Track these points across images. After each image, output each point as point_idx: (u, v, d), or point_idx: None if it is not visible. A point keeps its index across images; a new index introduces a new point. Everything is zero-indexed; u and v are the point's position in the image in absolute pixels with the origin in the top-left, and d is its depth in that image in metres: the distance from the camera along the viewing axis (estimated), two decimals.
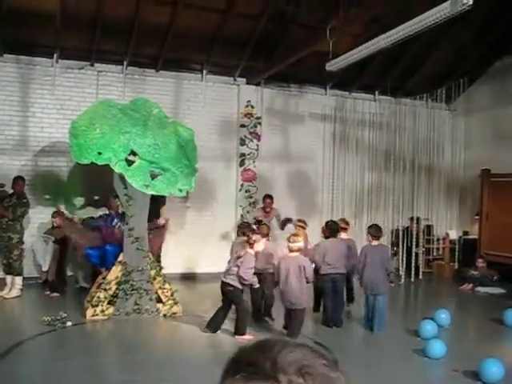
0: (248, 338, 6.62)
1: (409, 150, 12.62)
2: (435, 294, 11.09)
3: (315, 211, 12.39)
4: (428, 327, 6.93)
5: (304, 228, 9.14)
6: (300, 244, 7.12)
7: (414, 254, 11.78)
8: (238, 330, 6.88)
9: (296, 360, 0.86)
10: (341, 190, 12.53)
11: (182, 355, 6.26)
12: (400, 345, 6.77)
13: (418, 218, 12.41)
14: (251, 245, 6.99)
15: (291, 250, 7.01)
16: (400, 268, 11.81)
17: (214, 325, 7.13)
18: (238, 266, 6.89)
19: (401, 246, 11.95)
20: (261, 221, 9.67)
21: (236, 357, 0.90)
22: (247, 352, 0.90)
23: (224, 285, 7.01)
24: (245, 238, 7.22)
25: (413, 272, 11.61)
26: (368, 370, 5.80)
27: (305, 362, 0.86)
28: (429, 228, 12.79)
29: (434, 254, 12.62)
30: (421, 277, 11.85)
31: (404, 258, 11.89)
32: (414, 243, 11.87)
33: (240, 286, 6.96)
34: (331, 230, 8.13)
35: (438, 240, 12.78)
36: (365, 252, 7.59)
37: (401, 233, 12.09)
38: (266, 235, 7.95)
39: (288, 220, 10.17)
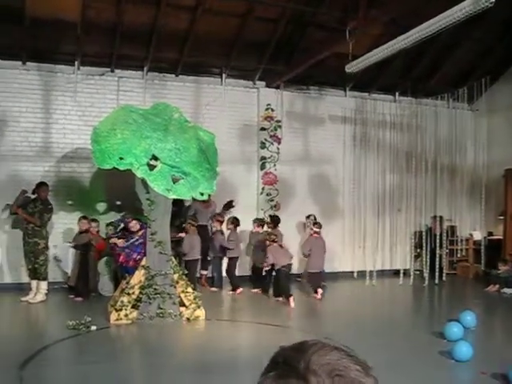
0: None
1: (430, 150, 12.50)
2: (460, 295, 10.97)
3: (337, 214, 12.35)
4: (454, 329, 6.83)
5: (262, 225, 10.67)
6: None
7: (437, 256, 11.65)
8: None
9: (329, 363, 0.88)
10: (362, 192, 12.45)
11: (205, 359, 6.26)
12: (426, 347, 6.68)
13: (441, 219, 12.25)
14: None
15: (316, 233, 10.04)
16: (424, 269, 11.69)
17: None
18: None
19: (424, 248, 11.83)
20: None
21: (275, 355, 0.93)
22: (285, 351, 0.92)
23: None
24: None
25: (437, 273, 11.48)
26: (394, 372, 5.73)
27: (337, 366, 0.87)
28: (452, 229, 12.63)
29: (458, 255, 12.46)
30: (445, 278, 11.71)
31: (427, 260, 11.76)
32: (437, 244, 11.74)
33: None
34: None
35: (462, 241, 12.62)
36: None
37: (424, 234, 11.96)
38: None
39: (230, 203, 10.75)
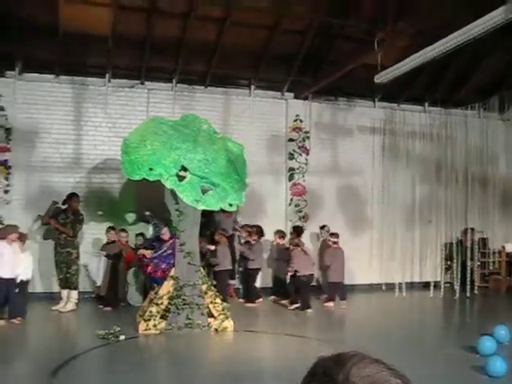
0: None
1: (461, 161, 12.31)
2: (492, 309, 10.74)
3: (365, 225, 12.25)
4: (487, 343, 6.68)
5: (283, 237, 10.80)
6: None
7: (468, 268, 11.44)
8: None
9: (369, 375, 0.87)
10: (391, 203, 12.32)
11: (233, 370, 6.24)
12: (458, 362, 6.55)
13: (472, 231, 12.03)
14: None
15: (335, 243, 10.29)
16: (454, 282, 11.50)
17: None
18: None
19: (455, 260, 11.63)
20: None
21: (314, 366, 0.92)
22: (324, 362, 0.91)
23: None
24: None
25: (468, 286, 11.27)
26: None
27: (377, 379, 0.86)
28: (484, 241, 12.41)
29: (490, 267, 12.22)
30: (476, 291, 11.49)
31: (458, 272, 11.55)
32: (468, 257, 11.53)
33: None
34: None
35: (494, 253, 12.38)
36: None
37: (454, 246, 11.76)
38: None
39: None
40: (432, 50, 7.87)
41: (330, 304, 10.07)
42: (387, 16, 8.73)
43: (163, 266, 8.77)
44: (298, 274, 9.73)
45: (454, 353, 6.96)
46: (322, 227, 11.25)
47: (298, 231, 10.87)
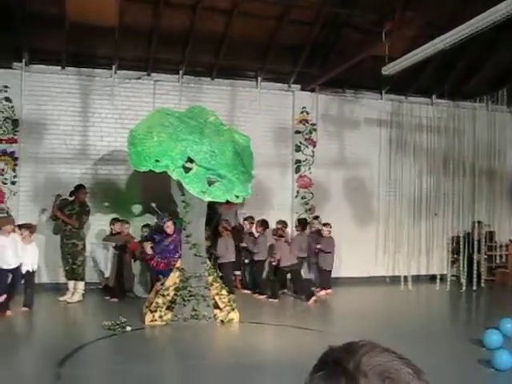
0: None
1: (468, 154, 12.24)
2: (499, 302, 10.70)
3: (372, 218, 12.22)
4: (493, 337, 6.66)
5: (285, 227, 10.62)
6: None
7: (475, 262, 11.41)
8: None
9: (380, 364, 0.86)
10: (398, 196, 12.29)
11: (239, 361, 6.25)
12: (464, 355, 6.54)
13: (479, 224, 11.97)
14: None
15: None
16: (461, 275, 11.47)
17: None
18: None
19: (461, 253, 11.60)
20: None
21: (324, 355, 0.92)
22: (335, 351, 0.91)
23: None
24: None
25: (474, 280, 11.24)
26: (431, 381, 5.62)
27: (389, 368, 0.86)
28: (491, 234, 12.35)
29: (497, 261, 12.17)
30: (483, 285, 11.45)
31: (465, 265, 11.52)
32: (475, 250, 11.49)
33: None
34: None
35: (501, 247, 12.33)
36: None
37: (461, 239, 11.71)
38: None
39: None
40: (441, 42, 7.79)
41: (323, 293, 10.26)
42: (395, 6, 8.66)
43: (165, 260, 8.81)
44: (280, 265, 9.82)
45: (460, 346, 6.95)
46: (316, 217, 11.28)
47: (302, 224, 10.86)
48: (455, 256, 11.92)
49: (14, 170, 10.21)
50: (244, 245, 10.48)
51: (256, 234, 10.58)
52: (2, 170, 10.14)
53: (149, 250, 9.18)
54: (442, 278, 11.58)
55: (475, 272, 11.31)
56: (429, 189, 12.47)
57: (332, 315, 9.13)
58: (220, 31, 10.34)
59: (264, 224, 10.55)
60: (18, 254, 8.47)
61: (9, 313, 8.19)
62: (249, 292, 10.45)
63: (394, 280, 11.71)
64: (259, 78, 11.57)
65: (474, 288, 11.21)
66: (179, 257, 8.22)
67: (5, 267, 8.33)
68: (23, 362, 6.23)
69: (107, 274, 9.71)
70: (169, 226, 9.09)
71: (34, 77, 10.40)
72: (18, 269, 8.46)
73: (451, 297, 11.09)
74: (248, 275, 10.76)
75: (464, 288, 11.17)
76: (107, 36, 9.95)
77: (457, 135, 12.34)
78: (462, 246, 11.62)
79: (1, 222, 8.89)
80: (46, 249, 10.15)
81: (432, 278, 11.89)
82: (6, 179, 10.15)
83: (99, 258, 9.78)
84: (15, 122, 10.24)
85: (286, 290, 10.30)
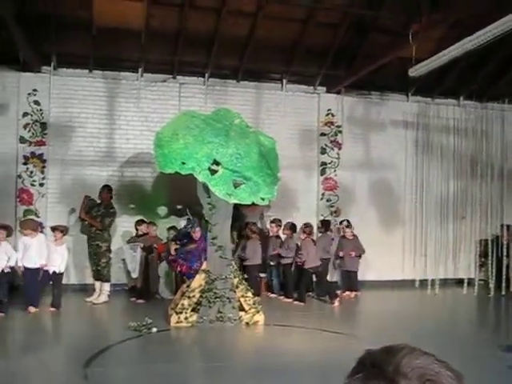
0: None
1: (497, 155, 12.07)
2: None
3: (398, 221, 12.10)
4: None
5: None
6: None
7: (504, 265, 11.21)
8: None
9: (420, 366, 0.85)
10: (424, 198, 12.15)
11: (264, 363, 6.24)
12: (493, 361, 6.41)
13: (508, 227, 11.77)
14: None
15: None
16: (489, 279, 11.27)
17: None
18: None
19: (490, 257, 11.41)
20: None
21: (362, 358, 0.91)
22: (373, 354, 0.90)
23: None
24: None
25: (503, 284, 11.04)
26: None
27: (429, 370, 0.85)
28: None
29: None
30: None
31: (493, 269, 11.32)
32: (504, 254, 11.29)
33: None
34: None
35: None
36: None
37: (490, 243, 11.53)
38: None
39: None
40: (469, 42, 7.69)
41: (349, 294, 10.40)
42: (422, 7, 8.57)
43: (190, 265, 8.82)
44: (305, 266, 9.77)
45: (489, 352, 6.83)
46: (342, 221, 11.21)
47: (325, 225, 10.80)
48: (483, 260, 11.73)
49: (42, 172, 10.36)
50: (276, 252, 10.40)
51: (283, 237, 10.54)
52: (31, 172, 10.29)
53: (173, 251, 9.23)
54: (470, 282, 11.40)
55: (504, 276, 11.10)
56: (456, 191, 12.32)
57: (358, 318, 9.05)
58: (245, 34, 10.36)
59: (292, 227, 10.50)
60: (43, 254, 8.64)
61: (32, 309, 8.34)
62: (275, 295, 10.43)
63: (422, 283, 11.56)
64: (284, 81, 11.56)
65: (503, 293, 11.01)
66: (201, 264, 8.21)
67: (29, 266, 8.55)
68: (51, 361, 6.30)
69: (134, 275, 9.78)
70: (196, 232, 9.12)
71: (62, 80, 10.55)
72: (42, 269, 8.64)
73: (479, 301, 10.91)
74: (275, 278, 10.71)
75: (492, 293, 10.99)
76: (133, 39, 10.06)
77: (485, 137, 12.16)
78: (490, 250, 11.43)
79: (26, 223, 9.12)
80: (74, 249, 10.28)
81: (459, 282, 11.72)
82: (34, 181, 10.30)
83: (127, 259, 9.87)
84: (43, 125, 10.39)
85: (310, 293, 10.27)
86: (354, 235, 10.80)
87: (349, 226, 10.85)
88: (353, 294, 10.49)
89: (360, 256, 10.74)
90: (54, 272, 8.79)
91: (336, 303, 9.50)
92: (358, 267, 10.75)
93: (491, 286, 11.12)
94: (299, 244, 10.22)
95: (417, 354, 0.88)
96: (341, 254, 10.65)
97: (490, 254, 11.41)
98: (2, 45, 7.29)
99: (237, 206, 9.13)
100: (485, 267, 11.64)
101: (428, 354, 0.89)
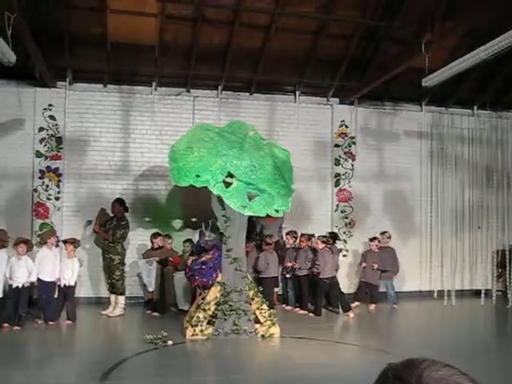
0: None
1: None
2: None
3: (413, 232, 12.03)
4: None
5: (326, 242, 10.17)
6: None
7: None
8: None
9: (442, 378, 0.85)
10: (440, 209, 12.07)
11: (280, 376, 6.20)
12: None
13: None
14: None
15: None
16: (507, 290, 11.14)
17: None
18: None
19: (507, 267, 11.28)
20: None
21: (384, 370, 0.91)
22: (395, 367, 0.91)
23: None
24: None
25: None
26: None
27: (451, 382, 0.85)
28: None
29: None
30: None
31: (511, 280, 11.19)
32: None
33: None
34: None
35: None
36: None
37: (507, 253, 11.40)
38: None
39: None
40: (483, 51, 7.65)
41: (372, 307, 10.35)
42: (434, 17, 8.56)
43: (204, 279, 8.75)
44: (321, 276, 9.69)
45: (509, 364, 6.74)
46: (382, 233, 11.14)
47: (333, 237, 10.65)
48: (500, 270, 11.61)
49: (58, 186, 10.45)
50: (291, 264, 10.36)
51: (319, 249, 10.46)
52: (47, 186, 10.39)
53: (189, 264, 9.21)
54: (487, 292, 11.27)
55: None
56: (471, 201, 12.23)
57: (374, 331, 8.97)
58: (258, 46, 10.41)
59: (310, 238, 10.48)
60: (57, 268, 8.72)
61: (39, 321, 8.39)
62: (290, 307, 10.37)
63: (439, 294, 11.45)
64: (297, 92, 11.58)
65: None
66: (216, 276, 8.16)
67: (45, 279, 8.66)
68: (67, 374, 6.31)
69: (151, 288, 9.81)
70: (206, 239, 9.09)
71: (77, 95, 10.67)
72: (54, 283, 8.77)
73: (497, 312, 10.78)
74: (290, 290, 10.66)
75: (510, 303, 10.85)
76: (147, 54, 10.16)
77: (500, 146, 12.09)
78: (507, 260, 11.31)
79: (46, 234, 9.20)
80: (89, 262, 10.33)
81: (476, 293, 11.60)
82: (50, 195, 10.39)
83: (143, 273, 9.90)
84: (59, 140, 10.50)
85: (330, 307, 10.19)
86: (380, 248, 10.73)
87: (373, 239, 10.81)
88: (372, 306, 10.37)
89: (384, 271, 10.61)
90: (65, 285, 8.85)
91: (351, 315, 9.44)
92: (379, 280, 10.62)
93: (509, 296, 10.98)
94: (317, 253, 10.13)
95: (439, 365, 0.88)
96: (363, 264, 10.60)
97: (507, 264, 11.28)
98: (18, 60, 7.36)
99: (252, 219, 9.13)
100: (502, 278, 11.51)
101: (450, 366, 0.89)
